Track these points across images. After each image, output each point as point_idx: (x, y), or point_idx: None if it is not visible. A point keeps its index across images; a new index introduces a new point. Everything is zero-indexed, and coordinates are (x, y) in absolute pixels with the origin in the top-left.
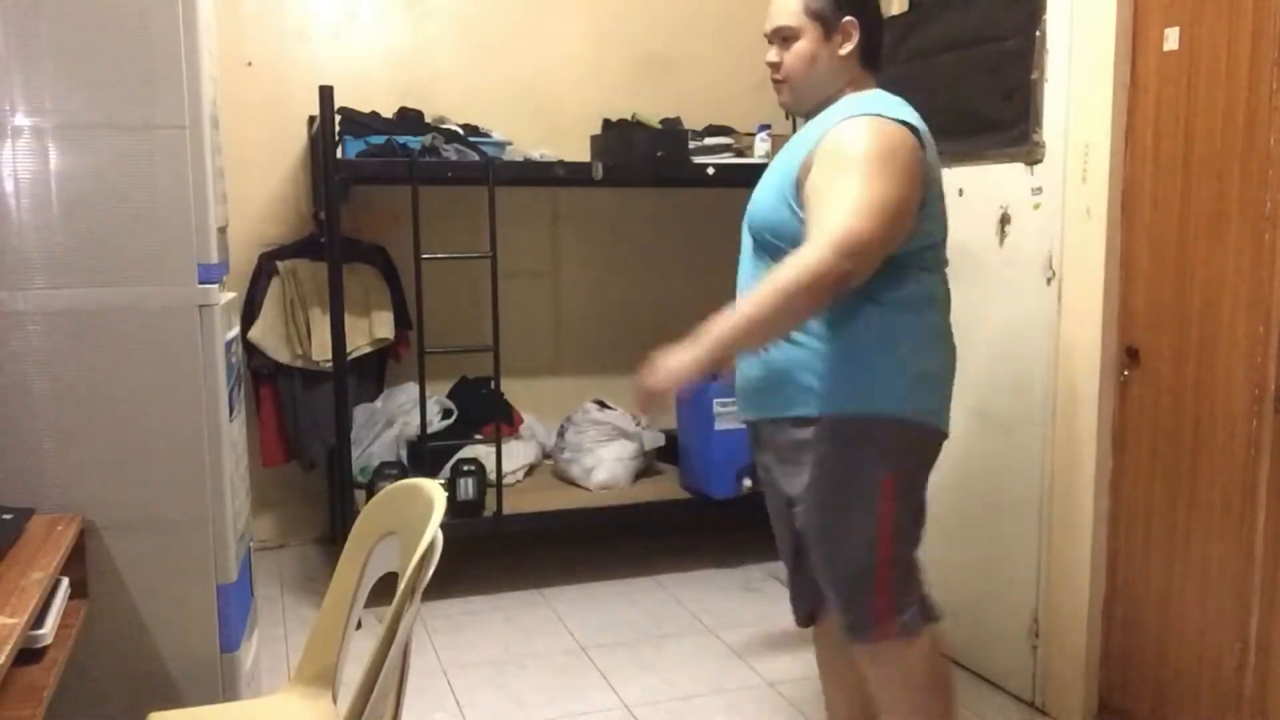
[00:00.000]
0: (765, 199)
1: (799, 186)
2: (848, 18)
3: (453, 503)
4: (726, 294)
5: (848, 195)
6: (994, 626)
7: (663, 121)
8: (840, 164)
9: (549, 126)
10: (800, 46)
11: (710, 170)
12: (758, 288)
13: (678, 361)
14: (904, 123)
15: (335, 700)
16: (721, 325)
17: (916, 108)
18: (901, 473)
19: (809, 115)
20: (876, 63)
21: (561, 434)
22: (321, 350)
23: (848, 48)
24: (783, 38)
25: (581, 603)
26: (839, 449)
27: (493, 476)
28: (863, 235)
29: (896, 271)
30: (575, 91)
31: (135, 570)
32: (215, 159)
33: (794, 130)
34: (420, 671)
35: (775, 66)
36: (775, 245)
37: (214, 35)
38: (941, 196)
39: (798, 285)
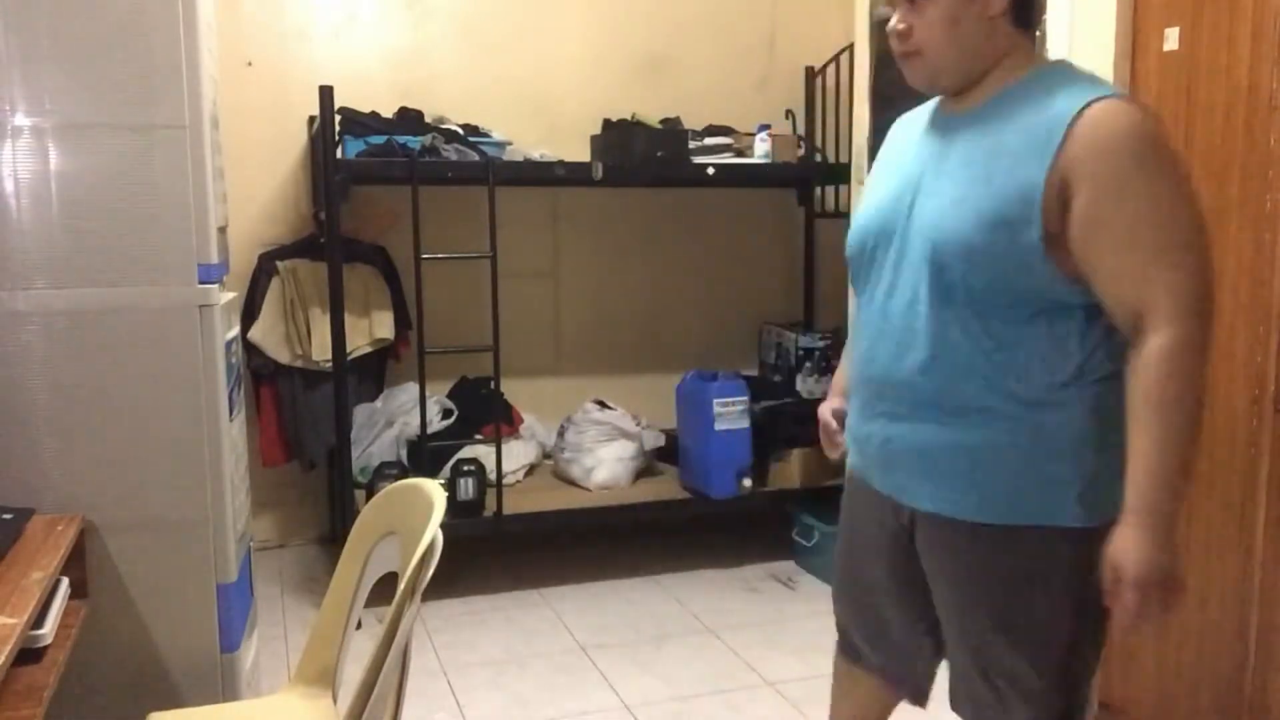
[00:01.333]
0: (969, 222)
1: (1045, 209)
2: None
3: (453, 503)
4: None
5: (1159, 231)
6: None
7: (663, 121)
8: (1123, 178)
9: (549, 126)
10: (938, 9)
11: (710, 170)
12: (1150, 421)
13: (1148, 573)
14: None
15: (335, 700)
16: (1156, 495)
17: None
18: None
19: (954, 94)
20: (1034, 21)
21: (561, 434)
22: (321, 350)
23: (998, 4)
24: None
25: (581, 603)
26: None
27: (493, 476)
28: (1198, 285)
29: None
30: (575, 91)
31: (135, 570)
32: (215, 159)
33: (792, 128)
34: (420, 671)
35: (904, 35)
36: (987, 290)
37: (214, 35)
38: None
39: (1200, 389)
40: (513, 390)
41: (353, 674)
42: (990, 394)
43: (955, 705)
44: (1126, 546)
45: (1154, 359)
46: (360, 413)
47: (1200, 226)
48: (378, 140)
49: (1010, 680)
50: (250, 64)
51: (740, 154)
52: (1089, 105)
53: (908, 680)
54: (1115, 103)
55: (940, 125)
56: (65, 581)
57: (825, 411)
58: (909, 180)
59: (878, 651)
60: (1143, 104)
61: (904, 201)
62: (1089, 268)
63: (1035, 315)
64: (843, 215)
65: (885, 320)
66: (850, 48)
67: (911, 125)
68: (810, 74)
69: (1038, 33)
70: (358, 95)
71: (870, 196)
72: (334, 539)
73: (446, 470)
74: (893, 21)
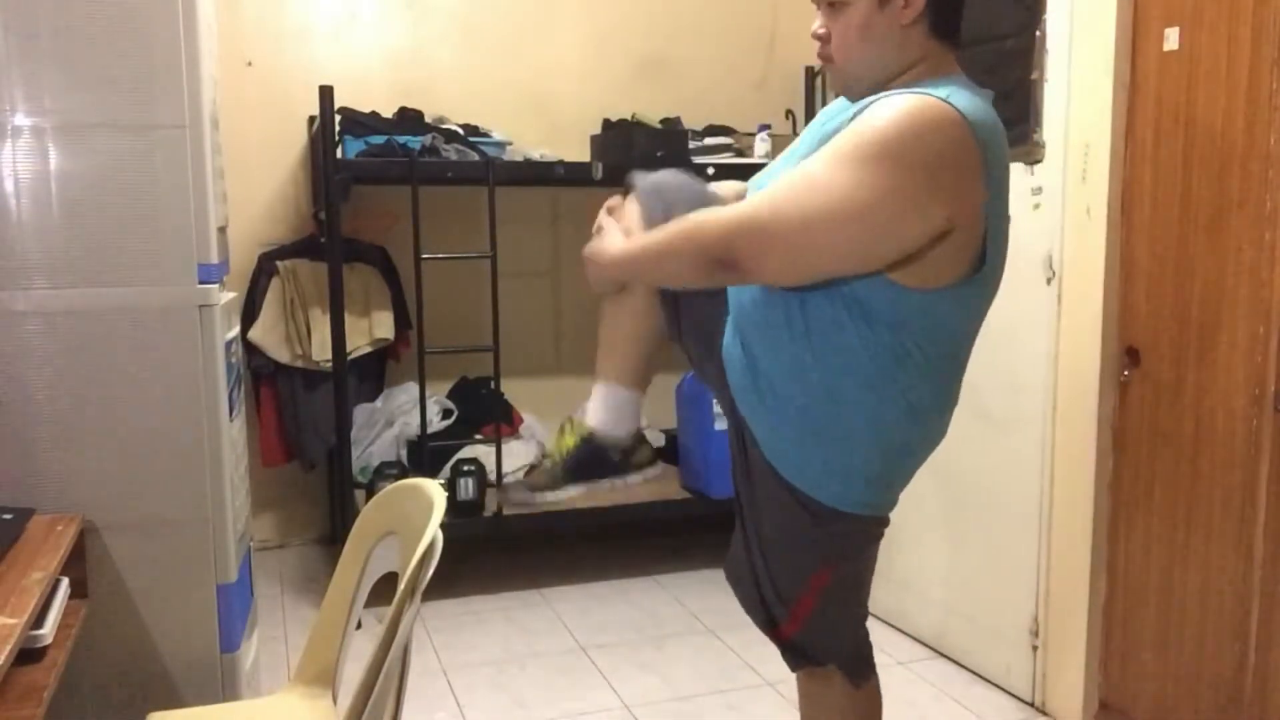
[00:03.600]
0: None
1: None
2: None
3: (453, 503)
4: None
5: (799, 175)
6: (994, 626)
7: (663, 121)
8: (836, 152)
9: (549, 126)
10: (853, 17)
11: (710, 170)
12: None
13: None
14: (958, 111)
15: (335, 700)
16: (624, 243)
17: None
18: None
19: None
20: (954, 37)
21: None
22: (321, 350)
23: (911, 12)
24: (829, 3)
25: (581, 603)
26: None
27: (493, 476)
28: (765, 227)
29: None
30: (575, 91)
31: (135, 570)
32: (215, 159)
33: (792, 128)
34: (420, 671)
35: (823, 39)
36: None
37: (214, 35)
38: (1001, 228)
39: (684, 236)
40: (513, 390)
41: (353, 674)
42: (798, 377)
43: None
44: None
45: (711, 216)
46: (360, 413)
47: (842, 200)
48: (378, 140)
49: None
50: (250, 64)
51: (740, 154)
52: (878, 100)
53: None
54: (907, 95)
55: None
56: (65, 581)
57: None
58: (778, 163)
59: None
60: (945, 105)
61: (766, 180)
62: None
63: (831, 304)
64: None
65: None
66: None
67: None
68: (810, 74)
69: (955, 45)
70: (358, 95)
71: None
72: (334, 539)
73: (446, 470)
74: (815, 24)
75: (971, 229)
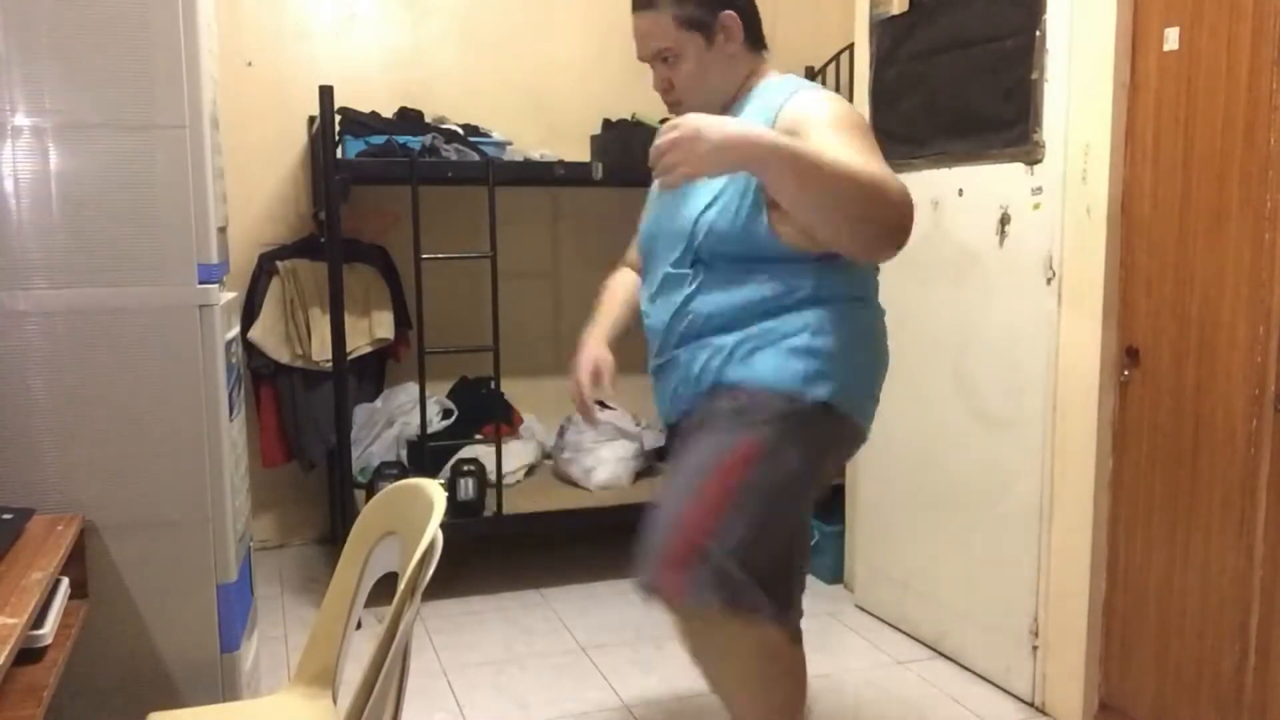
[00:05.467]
0: (712, 208)
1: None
2: (724, 12)
3: (453, 503)
4: None
5: (874, 153)
6: (994, 626)
7: (663, 121)
8: (834, 121)
9: (549, 126)
10: (687, 64)
11: None
12: (833, 151)
13: (699, 138)
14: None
15: (335, 700)
16: (762, 136)
17: (917, 107)
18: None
19: None
20: (762, 42)
21: (561, 434)
22: (321, 350)
23: (734, 44)
24: (663, 59)
25: (581, 603)
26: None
27: (493, 476)
28: (907, 195)
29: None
30: (575, 91)
31: (135, 570)
32: (215, 159)
33: None
34: (420, 671)
35: (666, 88)
36: (734, 259)
37: (214, 35)
38: None
39: (874, 184)
40: (513, 390)
41: (353, 674)
42: (731, 323)
43: None
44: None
45: (862, 167)
46: (360, 413)
47: (882, 163)
48: (378, 140)
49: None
50: (250, 64)
51: None
52: (790, 97)
53: None
54: (817, 92)
55: None
56: (65, 581)
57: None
58: (665, 195)
59: None
60: (835, 95)
61: (670, 208)
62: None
63: (760, 269)
64: None
65: (659, 291)
66: (850, 48)
67: None
68: (810, 74)
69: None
70: (358, 95)
71: (644, 215)
72: (334, 539)
73: (446, 470)
74: (655, 79)
75: None
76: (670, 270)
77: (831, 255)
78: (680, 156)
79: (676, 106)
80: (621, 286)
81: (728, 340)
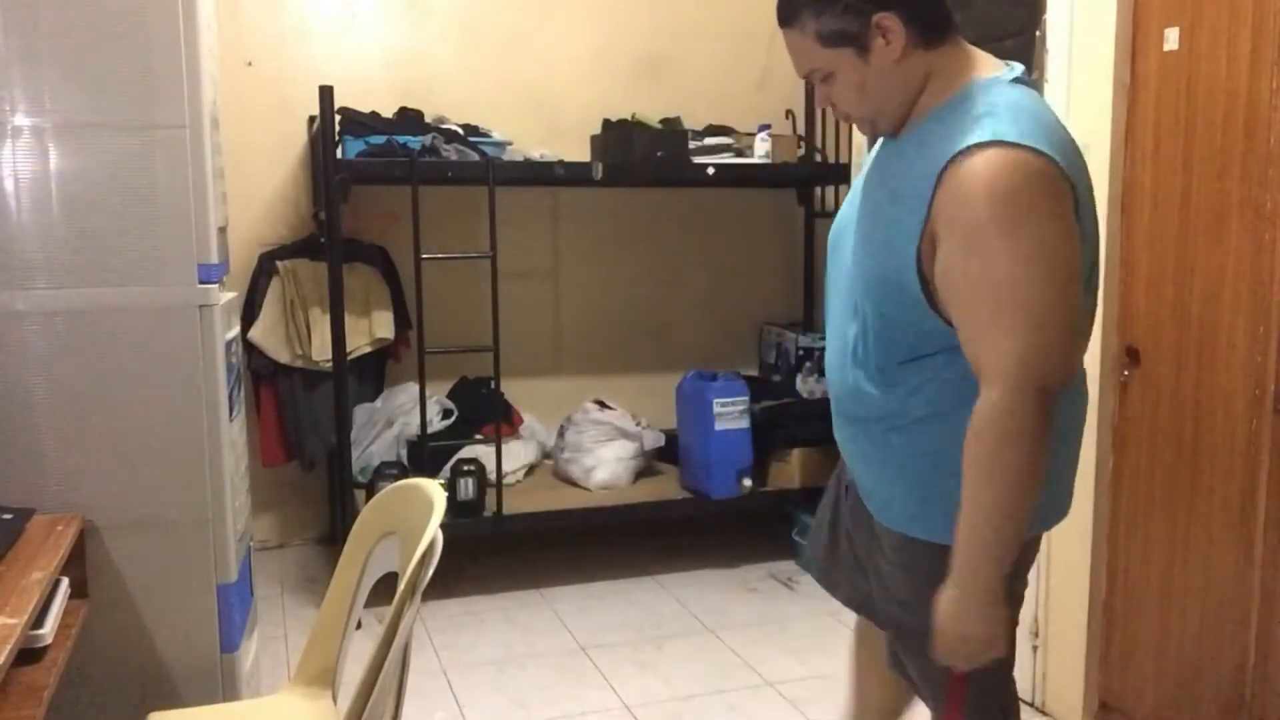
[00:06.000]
0: (869, 259)
1: (923, 256)
2: (878, 14)
3: (453, 503)
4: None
5: (998, 294)
6: None
7: (663, 121)
8: (973, 234)
9: (549, 126)
10: (841, 80)
11: (710, 170)
12: (966, 478)
13: (967, 640)
14: (1039, 152)
15: (335, 700)
16: (965, 564)
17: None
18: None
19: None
20: (945, 31)
21: (561, 434)
22: (321, 350)
23: (896, 48)
24: (819, 79)
25: (581, 603)
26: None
27: (493, 476)
28: (1029, 354)
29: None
30: (575, 91)
31: (135, 570)
32: (215, 159)
33: (792, 128)
34: (420, 671)
35: (833, 105)
36: (890, 317)
37: (214, 35)
38: (1094, 248)
39: (995, 450)
40: (513, 390)
41: (353, 674)
42: (897, 414)
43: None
44: (939, 601)
45: (976, 420)
46: (360, 413)
47: (1052, 290)
48: (378, 140)
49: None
50: (250, 64)
51: (740, 154)
52: (960, 153)
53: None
54: (989, 151)
55: (884, 145)
56: (65, 581)
57: None
58: (855, 196)
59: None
60: (1027, 151)
61: (849, 217)
62: (950, 316)
63: (930, 354)
64: None
65: (832, 322)
66: None
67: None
68: None
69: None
70: (358, 95)
71: (848, 197)
72: (334, 539)
73: (446, 470)
74: (818, 97)
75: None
76: None
77: None
78: (967, 655)
79: (849, 121)
80: None
81: None
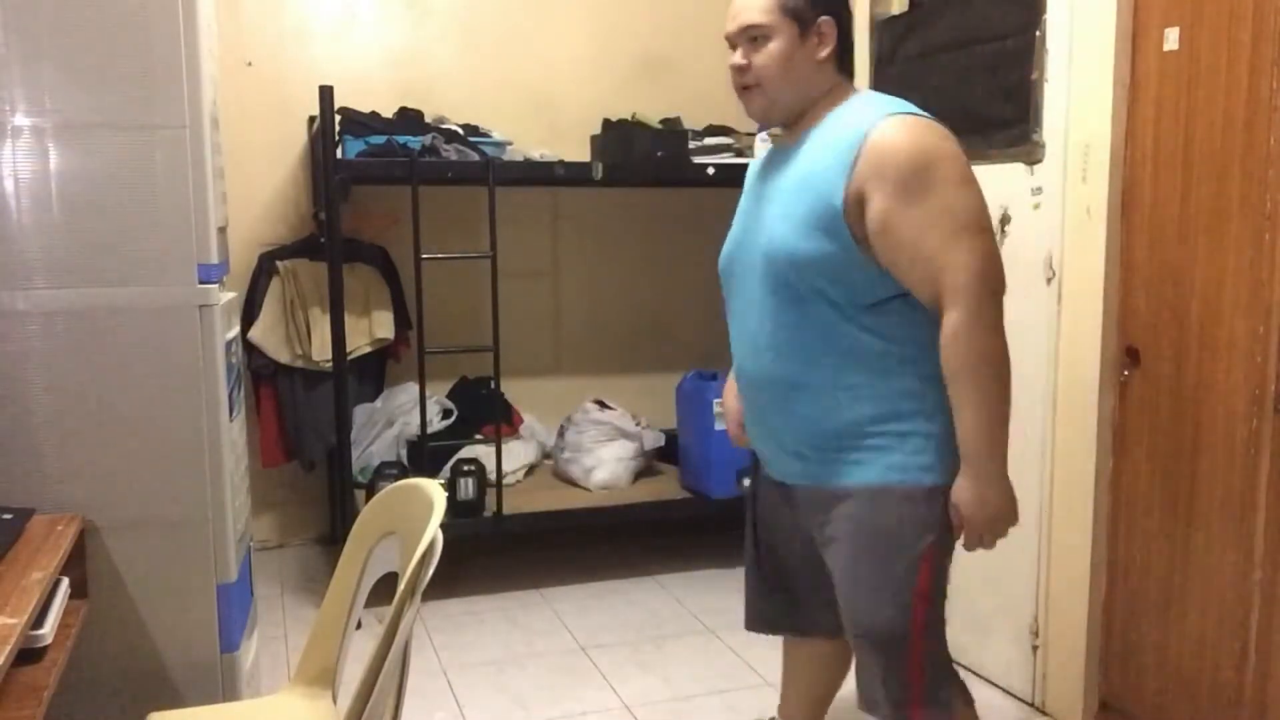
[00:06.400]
0: (794, 233)
1: (847, 215)
2: (824, 17)
3: (453, 503)
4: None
5: (943, 221)
6: (994, 626)
7: (663, 121)
8: (907, 183)
9: (549, 126)
10: (774, 46)
11: (710, 170)
12: (960, 387)
13: (993, 518)
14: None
15: (335, 700)
16: (979, 453)
17: (917, 107)
18: (942, 540)
19: (784, 126)
20: (850, 69)
21: (561, 434)
22: (321, 350)
23: (825, 50)
24: (751, 38)
25: (581, 603)
26: (880, 517)
27: (493, 476)
28: (992, 258)
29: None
30: (575, 91)
31: (135, 570)
32: (215, 159)
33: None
34: (420, 671)
35: (742, 69)
36: (813, 286)
37: (214, 35)
38: None
39: (997, 354)
40: (513, 390)
41: (353, 674)
42: (835, 377)
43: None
44: (961, 490)
45: (950, 335)
46: (360, 413)
47: (984, 207)
48: (378, 140)
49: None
50: (250, 64)
51: (740, 154)
52: (876, 124)
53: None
54: (901, 118)
55: (773, 157)
56: (65, 581)
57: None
58: (750, 209)
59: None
60: (927, 119)
61: (750, 226)
62: (890, 263)
63: (864, 308)
64: None
65: (743, 329)
66: None
67: (757, 165)
68: None
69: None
70: (358, 95)
71: (731, 228)
72: (334, 539)
73: (446, 470)
74: (734, 57)
75: None
76: None
77: None
78: (995, 532)
79: (748, 92)
80: None
81: None
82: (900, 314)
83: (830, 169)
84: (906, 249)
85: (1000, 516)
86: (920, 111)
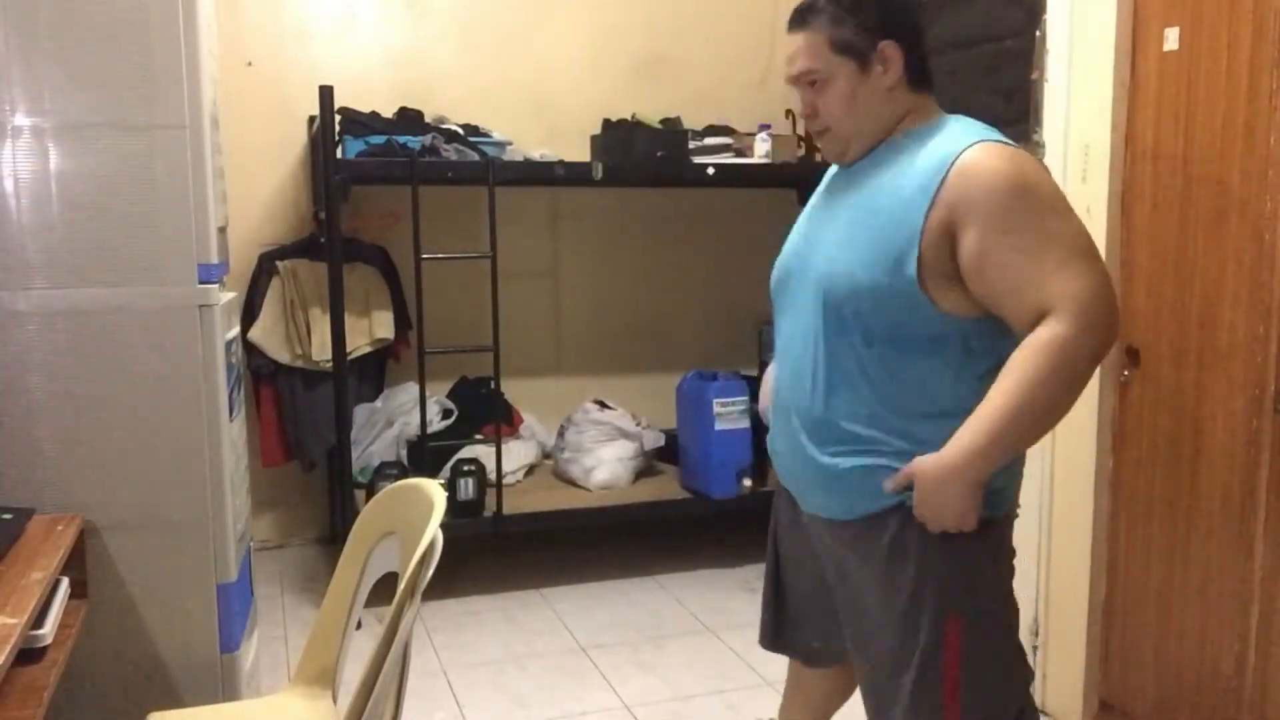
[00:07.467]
0: (854, 260)
1: (925, 245)
2: (884, 42)
3: (453, 503)
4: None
5: (1052, 249)
6: None
7: (663, 121)
8: (1008, 212)
9: (549, 126)
10: (835, 88)
11: (710, 170)
12: (1002, 384)
13: (950, 500)
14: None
15: (335, 700)
16: (976, 444)
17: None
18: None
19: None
20: (929, 84)
21: (561, 434)
22: (321, 350)
23: (892, 76)
24: (810, 82)
25: (581, 603)
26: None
27: (493, 476)
28: (1101, 293)
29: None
30: (575, 91)
31: (135, 570)
32: (215, 159)
33: (792, 128)
34: (420, 671)
35: (811, 115)
36: (861, 318)
37: (214, 35)
38: None
39: (1055, 375)
40: (513, 390)
41: (353, 674)
42: (875, 424)
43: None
44: (929, 462)
45: (1035, 340)
46: (360, 413)
47: (1092, 243)
48: (378, 140)
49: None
50: (250, 64)
51: (740, 154)
52: (965, 149)
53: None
54: (993, 145)
55: (840, 176)
56: (65, 581)
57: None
58: (812, 224)
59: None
60: (1016, 148)
61: (807, 244)
62: (986, 296)
63: (918, 348)
64: None
65: (788, 350)
66: None
67: (829, 175)
68: None
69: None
70: (358, 95)
71: (788, 239)
72: (334, 539)
73: (446, 470)
74: (799, 104)
75: None
76: None
77: None
78: (936, 520)
79: (821, 136)
80: None
81: None
82: (943, 358)
83: (909, 196)
84: (1009, 277)
85: (945, 515)
86: (1010, 141)
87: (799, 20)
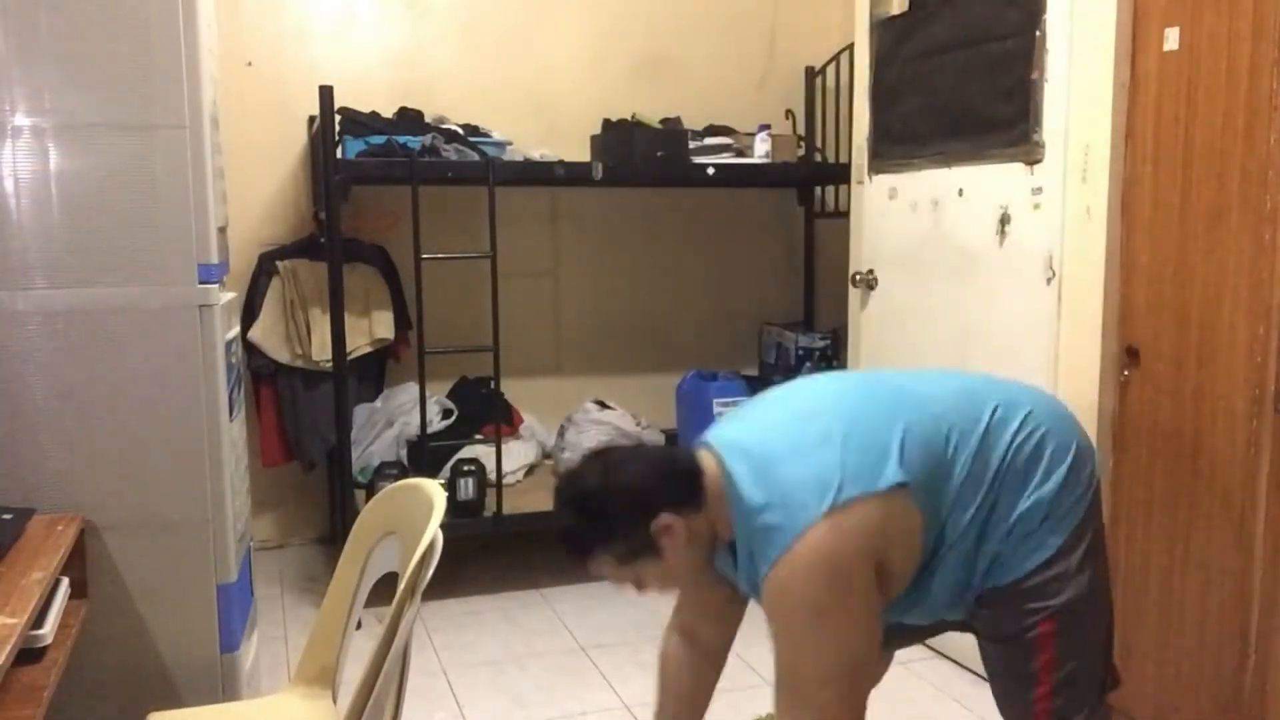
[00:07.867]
0: None
1: None
2: (655, 521)
3: (453, 503)
4: (726, 293)
5: (803, 673)
6: None
7: (663, 121)
8: (781, 635)
9: (549, 126)
10: (651, 576)
11: (710, 170)
12: None
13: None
14: (820, 518)
15: (335, 700)
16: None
17: (917, 107)
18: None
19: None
20: (700, 492)
21: (561, 434)
22: (321, 350)
23: (681, 535)
24: (635, 585)
25: (581, 603)
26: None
27: (493, 476)
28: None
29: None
30: (575, 91)
31: (135, 570)
32: (215, 159)
33: (792, 128)
34: (420, 671)
35: (641, 590)
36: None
37: (214, 35)
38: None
39: None
40: (513, 390)
41: (353, 674)
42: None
43: None
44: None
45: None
46: (360, 413)
47: (850, 657)
48: (378, 140)
49: None
50: (250, 64)
51: (740, 154)
52: (774, 565)
53: None
54: (784, 562)
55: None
56: (65, 581)
57: None
58: None
59: None
60: (820, 542)
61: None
62: None
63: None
64: (843, 215)
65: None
66: (850, 48)
67: None
68: (810, 74)
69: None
70: (358, 95)
71: None
72: (334, 539)
73: (446, 470)
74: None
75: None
76: None
77: None
78: None
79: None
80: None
81: None
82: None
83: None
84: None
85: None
86: (808, 508)
87: (577, 554)
